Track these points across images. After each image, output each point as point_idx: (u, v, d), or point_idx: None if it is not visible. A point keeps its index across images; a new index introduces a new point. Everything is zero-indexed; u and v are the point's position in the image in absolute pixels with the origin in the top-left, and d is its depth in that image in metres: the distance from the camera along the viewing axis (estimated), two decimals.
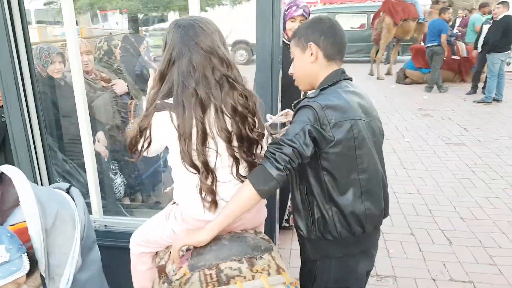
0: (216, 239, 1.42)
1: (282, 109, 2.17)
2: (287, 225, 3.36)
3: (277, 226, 2.57)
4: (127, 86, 3.20)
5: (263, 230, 1.74)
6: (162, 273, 1.56)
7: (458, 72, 9.78)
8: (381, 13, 10.27)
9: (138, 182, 3.18)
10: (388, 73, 11.22)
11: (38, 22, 9.89)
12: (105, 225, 2.43)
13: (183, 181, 1.50)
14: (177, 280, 1.40)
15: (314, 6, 17.55)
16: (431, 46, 8.78)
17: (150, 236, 1.69)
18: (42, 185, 2.50)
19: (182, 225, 1.56)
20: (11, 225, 1.56)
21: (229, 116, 1.39)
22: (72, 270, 1.52)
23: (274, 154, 1.32)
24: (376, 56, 10.77)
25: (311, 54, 1.47)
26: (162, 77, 1.44)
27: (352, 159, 1.41)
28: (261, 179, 1.32)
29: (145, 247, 1.72)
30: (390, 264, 2.99)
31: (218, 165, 1.43)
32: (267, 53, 2.06)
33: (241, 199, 1.35)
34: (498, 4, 7.65)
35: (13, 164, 2.35)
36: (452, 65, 9.57)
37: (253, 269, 1.34)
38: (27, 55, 2.35)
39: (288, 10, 2.85)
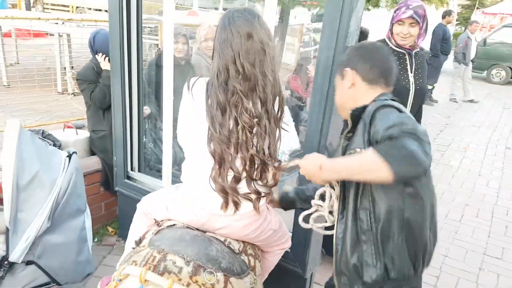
0: (184, 230, 1.39)
1: None
2: None
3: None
4: None
5: (254, 252, 1.54)
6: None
7: None
8: None
9: None
10: None
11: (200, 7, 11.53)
12: None
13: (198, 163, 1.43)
14: (137, 247, 1.41)
15: None
16: None
17: (151, 208, 1.66)
18: (131, 149, 2.79)
19: (181, 210, 1.48)
20: None
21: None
22: (35, 229, 1.61)
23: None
24: None
25: (348, 79, 1.38)
26: None
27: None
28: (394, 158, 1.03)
29: (144, 215, 1.70)
30: None
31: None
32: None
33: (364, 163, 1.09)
34: None
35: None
36: None
37: (193, 278, 1.24)
38: (137, 32, 2.60)
39: (397, 12, 2.29)
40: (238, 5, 11.28)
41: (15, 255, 1.62)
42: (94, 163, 2.92)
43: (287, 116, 3.45)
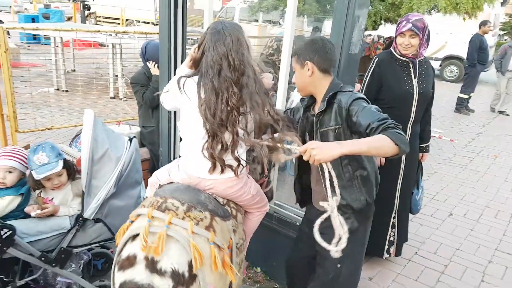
0: (180, 183, 1.81)
1: None
2: (388, 255, 3.03)
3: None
4: (274, 81, 3.57)
5: (236, 207, 1.89)
6: None
7: None
8: None
9: None
10: None
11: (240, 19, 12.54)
12: None
13: (192, 142, 1.77)
14: (148, 198, 1.77)
15: None
16: None
17: (158, 177, 2.01)
18: (174, 141, 3.29)
19: (178, 173, 1.87)
20: None
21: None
22: (104, 193, 2.11)
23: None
24: None
25: (308, 69, 1.84)
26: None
27: None
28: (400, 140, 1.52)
29: (153, 185, 2.02)
30: None
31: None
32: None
33: (381, 143, 1.52)
34: None
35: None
36: None
37: (187, 214, 1.58)
38: (182, 43, 3.10)
39: (399, 26, 2.62)
40: (275, 17, 11.76)
41: (88, 213, 2.12)
42: (144, 153, 3.44)
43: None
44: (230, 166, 1.75)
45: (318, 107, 1.89)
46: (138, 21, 16.50)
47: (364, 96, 1.78)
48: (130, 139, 2.30)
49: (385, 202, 2.76)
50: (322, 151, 1.47)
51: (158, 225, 1.51)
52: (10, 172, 2.12)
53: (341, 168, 1.83)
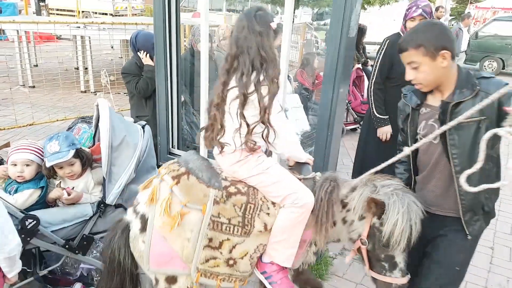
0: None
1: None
2: None
3: None
4: None
5: (245, 189, 1.87)
6: None
7: None
8: None
9: None
10: None
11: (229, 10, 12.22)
12: None
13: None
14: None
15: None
16: None
17: None
18: (172, 130, 3.35)
19: None
20: None
21: None
22: (125, 179, 2.18)
23: None
24: None
25: (444, 59, 1.61)
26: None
27: None
28: None
29: None
30: None
31: None
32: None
33: None
34: None
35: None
36: None
37: (169, 166, 1.83)
38: (176, 32, 3.16)
39: (409, 10, 2.91)
40: (238, 6, 11.81)
41: (110, 198, 2.18)
42: None
43: (297, 100, 4.14)
44: (228, 144, 1.77)
45: (447, 97, 1.68)
46: (95, 13, 15.94)
47: None
48: (143, 126, 2.37)
49: None
50: None
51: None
52: (27, 165, 2.13)
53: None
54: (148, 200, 1.75)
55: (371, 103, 3.13)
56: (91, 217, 2.19)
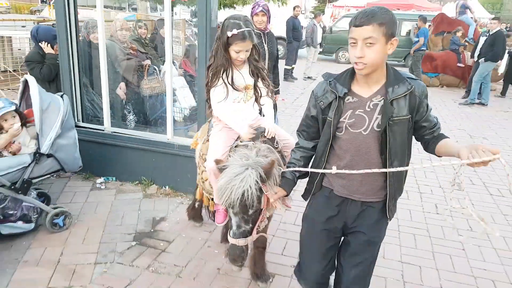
0: None
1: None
2: None
3: None
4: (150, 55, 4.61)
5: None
6: None
7: (462, 79, 11.33)
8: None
9: (145, 120, 4.59)
10: None
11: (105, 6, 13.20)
12: (112, 132, 3.97)
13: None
14: None
15: None
16: None
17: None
18: (76, 105, 4.07)
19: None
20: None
21: None
22: (53, 134, 2.94)
23: None
24: None
25: (392, 46, 1.62)
26: None
27: None
28: None
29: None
30: None
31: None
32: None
33: None
34: (493, 19, 9.61)
35: (61, 90, 3.97)
36: (457, 72, 11.35)
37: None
38: (75, 26, 3.89)
39: (253, 9, 4.02)
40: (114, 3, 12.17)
41: (44, 148, 2.90)
42: None
43: (183, 81, 5.34)
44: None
45: (379, 90, 1.70)
46: None
47: None
48: (61, 96, 3.12)
49: None
50: None
51: None
52: None
53: None
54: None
55: None
56: (29, 164, 2.88)
